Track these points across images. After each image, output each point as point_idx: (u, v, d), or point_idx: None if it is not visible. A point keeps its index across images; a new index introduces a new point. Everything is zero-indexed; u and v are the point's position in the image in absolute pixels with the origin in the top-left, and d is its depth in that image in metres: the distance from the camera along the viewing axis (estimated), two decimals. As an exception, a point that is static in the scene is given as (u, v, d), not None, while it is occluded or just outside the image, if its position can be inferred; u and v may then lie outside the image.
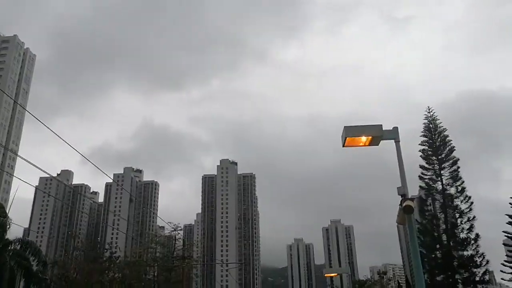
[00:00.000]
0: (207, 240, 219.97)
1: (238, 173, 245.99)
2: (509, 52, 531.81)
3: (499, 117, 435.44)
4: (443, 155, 47.12)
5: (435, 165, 47.02)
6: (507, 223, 49.00)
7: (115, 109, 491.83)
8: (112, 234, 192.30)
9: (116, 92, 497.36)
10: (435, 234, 45.91)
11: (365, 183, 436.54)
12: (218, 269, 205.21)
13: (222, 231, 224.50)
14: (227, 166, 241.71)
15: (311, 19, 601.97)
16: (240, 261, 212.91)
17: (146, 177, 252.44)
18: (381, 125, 9.51)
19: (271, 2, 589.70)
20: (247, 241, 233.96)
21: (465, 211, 44.68)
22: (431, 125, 48.44)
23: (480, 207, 60.73)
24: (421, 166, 47.28)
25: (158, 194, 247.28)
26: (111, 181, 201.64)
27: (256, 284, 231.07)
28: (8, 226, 31.61)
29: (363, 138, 9.51)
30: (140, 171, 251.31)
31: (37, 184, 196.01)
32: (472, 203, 44.73)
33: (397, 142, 9.49)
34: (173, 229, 58.53)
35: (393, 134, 9.52)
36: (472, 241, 43.95)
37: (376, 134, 9.43)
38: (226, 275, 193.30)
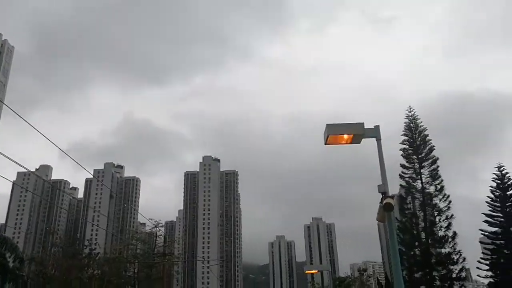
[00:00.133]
0: (188, 237, 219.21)
1: (221, 170, 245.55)
2: (487, 55, 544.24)
3: (478, 117, 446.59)
4: (423, 154, 47.84)
5: (415, 164, 47.71)
6: (483, 221, 50.10)
7: (96, 104, 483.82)
8: (92, 230, 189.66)
9: (97, 87, 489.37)
10: (414, 232, 46.66)
11: (347, 181, 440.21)
12: (200, 266, 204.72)
13: (204, 228, 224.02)
14: (209, 163, 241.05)
15: (296, 18, 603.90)
16: (221, 258, 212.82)
17: (128, 173, 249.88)
18: (363, 123, 9.55)
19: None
20: (229, 238, 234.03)
21: (444, 209, 45.58)
22: (412, 124, 49.04)
23: (458, 205, 61.91)
24: (402, 165, 47.91)
25: (139, 190, 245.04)
26: (91, 176, 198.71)
27: (238, 281, 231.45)
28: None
29: (345, 136, 9.53)
30: (121, 167, 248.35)
31: (14, 179, 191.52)
32: (450, 201, 45.72)
33: (379, 140, 9.55)
34: (154, 226, 58.10)
35: (375, 133, 9.58)
36: (450, 239, 44.87)
37: (358, 132, 9.47)
38: (208, 272, 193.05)
